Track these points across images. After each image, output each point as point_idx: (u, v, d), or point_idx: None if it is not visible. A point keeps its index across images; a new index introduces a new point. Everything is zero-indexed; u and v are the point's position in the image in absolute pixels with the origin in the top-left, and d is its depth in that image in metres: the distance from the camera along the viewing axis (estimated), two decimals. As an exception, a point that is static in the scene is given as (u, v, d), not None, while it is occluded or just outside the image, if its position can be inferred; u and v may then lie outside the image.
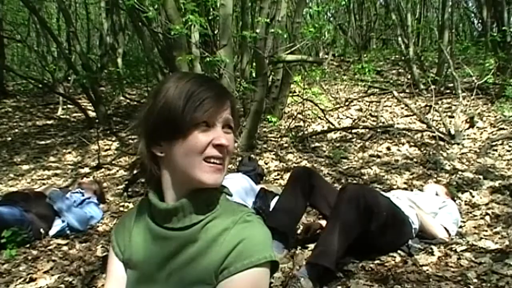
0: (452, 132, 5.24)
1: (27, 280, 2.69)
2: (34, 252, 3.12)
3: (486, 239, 2.81)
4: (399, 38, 8.87)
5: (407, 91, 7.73)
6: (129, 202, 4.24)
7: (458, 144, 5.05)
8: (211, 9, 5.98)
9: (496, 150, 4.76)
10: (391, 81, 8.97)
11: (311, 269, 2.35)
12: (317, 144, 5.74)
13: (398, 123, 6.17)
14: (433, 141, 5.23)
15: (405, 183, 4.17)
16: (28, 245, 3.23)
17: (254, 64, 6.41)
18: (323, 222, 2.95)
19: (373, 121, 6.48)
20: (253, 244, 0.95)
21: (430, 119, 5.92)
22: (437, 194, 3.19)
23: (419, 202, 2.93)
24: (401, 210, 2.74)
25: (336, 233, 2.39)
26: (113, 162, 5.66)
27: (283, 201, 2.88)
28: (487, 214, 3.22)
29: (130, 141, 6.56)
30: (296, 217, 2.90)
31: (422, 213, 2.86)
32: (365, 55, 11.19)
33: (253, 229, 0.98)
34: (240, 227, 0.98)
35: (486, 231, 2.97)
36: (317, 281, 2.32)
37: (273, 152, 5.44)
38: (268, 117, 6.06)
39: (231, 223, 0.99)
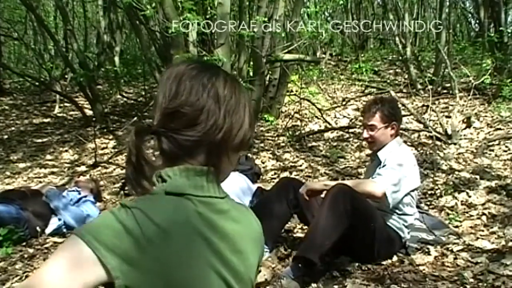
0: (449, 132, 5.25)
1: (23, 278, 2.68)
2: (31, 250, 3.12)
3: (482, 239, 2.82)
4: (397, 38, 8.88)
5: (404, 91, 7.74)
6: (126, 201, 4.23)
7: (455, 144, 5.06)
8: (209, 8, 5.97)
9: (492, 150, 4.77)
10: (388, 81, 8.97)
11: (294, 266, 2.37)
12: (314, 143, 5.74)
13: (395, 123, 6.16)
14: (430, 141, 5.23)
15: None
16: (24, 243, 3.23)
17: (251, 63, 6.41)
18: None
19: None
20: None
21: (427, 119, 5.92)
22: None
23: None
24: (391, 226, 2.66)
25: (321, 226, 2.38)
26: (110, 160, 5.65)
27: (268, 206, 2.82)
28: (483, 214, 3.23)
29: (127, 139, 6.55)
30: (280, 223, 2.86)
31: (352, 182, 2.60)
32: (362, 55, 11.20)
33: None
34: None
35: (483, 231, 2.97)
36: (301, 278, 2.33)
37: (270, 151, 5.44)
38: (265, 116, 6.06)
39: None
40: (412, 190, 2.69)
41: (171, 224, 0.88)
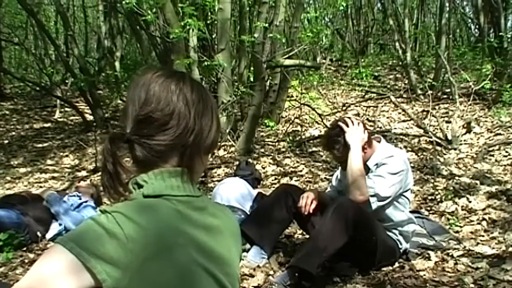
0: (449, 137, 5.25)
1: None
2: (31, 255, 3.11)
3: (482, 244, 2.82)
4: (397, 43, 8.90)
5: (405, 96, 7.75)
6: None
7: (455, 149, 5.06)
8: (209, 13, 5.99)
9: (493, 156, 4.77)
10: (389, 86, 8.98)
11: (289, 273, 2.35)
12: (314, 148, 5.74)
13: (395, 128, 6.18)
14: (430, 146, 5.24)
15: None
16: (25, 248, 3.23)
17: (252, 68, 6.42)
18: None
19: (370, 126, 6.49)
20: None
21: (427, 124, 5.93)
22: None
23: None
24: (391, 238, 2.65)
25: (323, 237, 2.37)
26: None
27: (267, 211, 2.80)
28: (483, 219, 3.23)
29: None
30: (279, 228, 2.85)
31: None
32: (362, 60, 11.22)
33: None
34: None
35: (483, 236, 2.97)
36: (293, 286, 2.30)
37: (271, 157, 5.44)
38: (266, 121, 6.07)
39: None
40: (406, 191, 2.65)
41: (152, 224, 0.89)
